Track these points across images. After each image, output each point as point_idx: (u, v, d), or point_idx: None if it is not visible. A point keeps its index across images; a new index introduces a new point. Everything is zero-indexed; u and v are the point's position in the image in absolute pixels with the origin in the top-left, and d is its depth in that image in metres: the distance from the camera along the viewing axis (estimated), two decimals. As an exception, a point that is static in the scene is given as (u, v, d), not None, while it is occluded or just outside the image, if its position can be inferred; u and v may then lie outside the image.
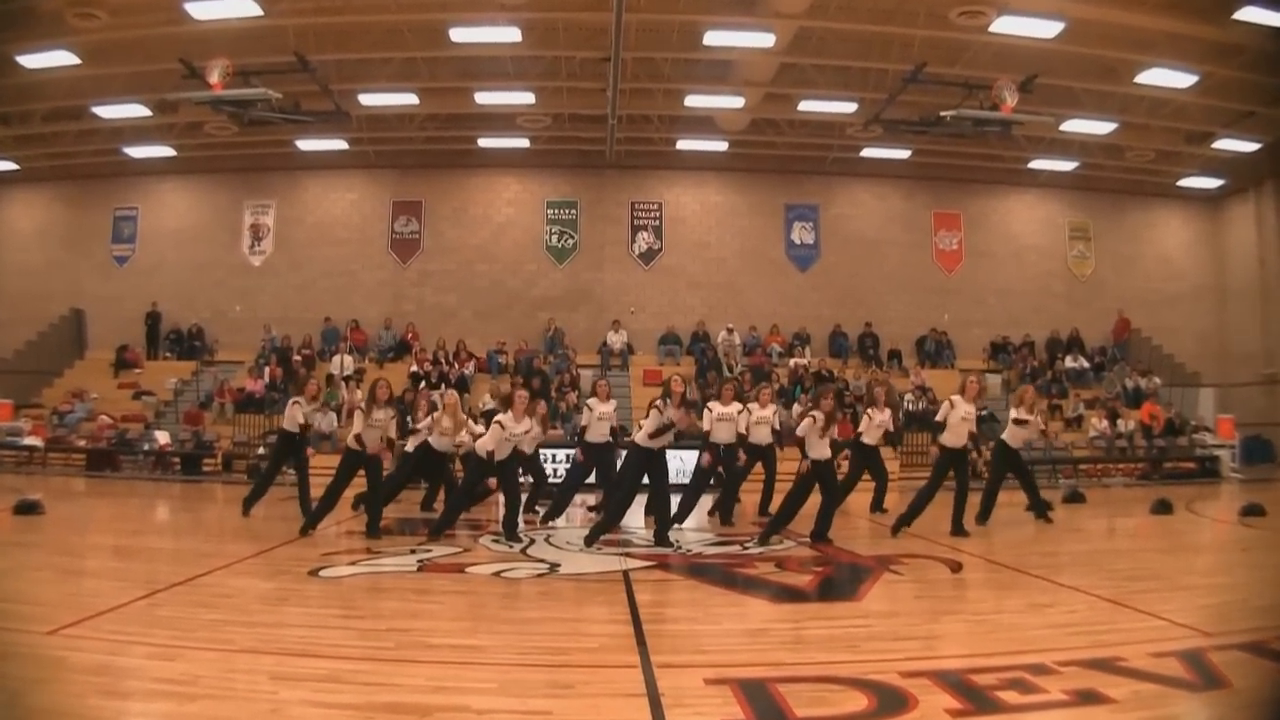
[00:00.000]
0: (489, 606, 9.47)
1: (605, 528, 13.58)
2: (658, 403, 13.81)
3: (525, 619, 9.00)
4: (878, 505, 17.87)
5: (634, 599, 9.57)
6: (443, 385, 26.40)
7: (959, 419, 14.77)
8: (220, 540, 13.97)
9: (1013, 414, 16.33)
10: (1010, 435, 16.16)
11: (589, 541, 13.31)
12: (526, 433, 14.26)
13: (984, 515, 16.00)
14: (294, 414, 15.86)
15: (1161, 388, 31.83)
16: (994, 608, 9.55)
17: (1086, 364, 33.09)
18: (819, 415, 13.53)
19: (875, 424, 17.23)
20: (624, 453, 15.58)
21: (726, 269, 34.24)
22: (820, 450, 13.61)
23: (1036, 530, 15.62)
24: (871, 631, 8.41)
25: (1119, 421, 28.98)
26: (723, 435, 16.04)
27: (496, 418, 13.88)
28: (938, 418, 15.46)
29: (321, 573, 10.77)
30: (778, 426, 17.80)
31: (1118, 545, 15.60)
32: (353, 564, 11.42)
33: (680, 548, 13.25)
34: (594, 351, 32.23)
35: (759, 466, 17.42)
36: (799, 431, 14.05)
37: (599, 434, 16.55)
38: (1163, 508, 18.10)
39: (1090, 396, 31.30)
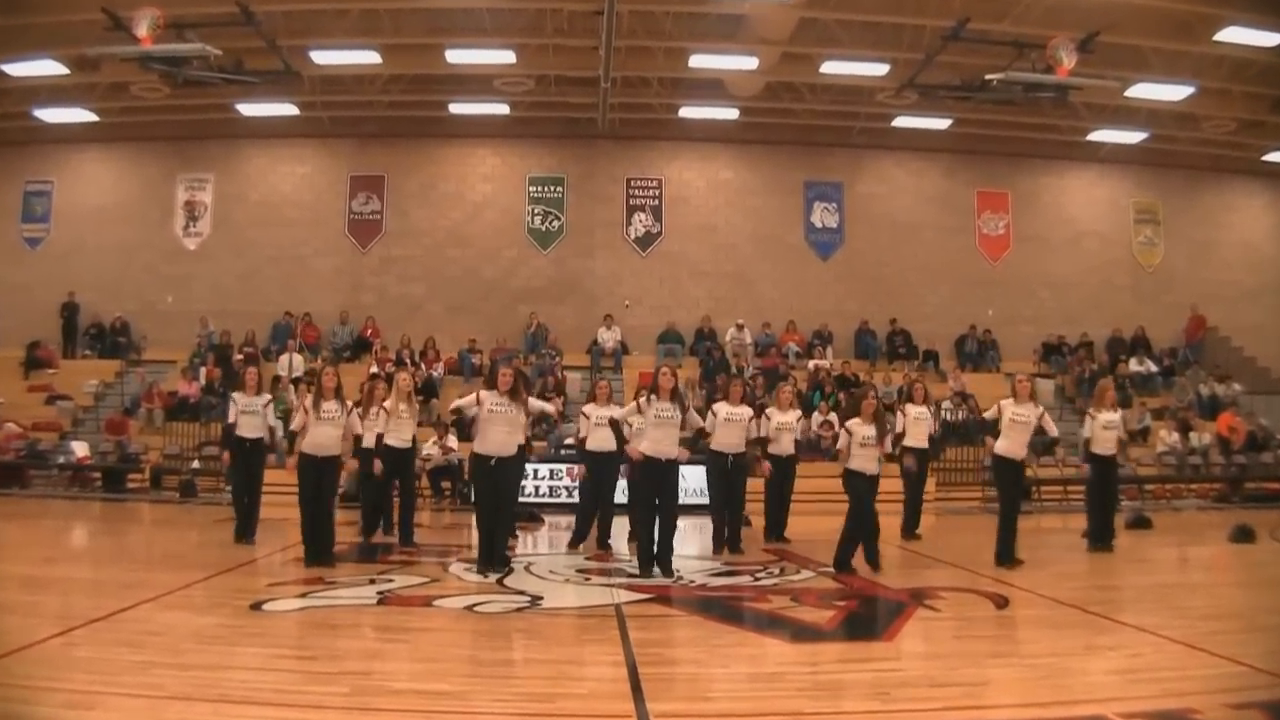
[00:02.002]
0: (461, 646, 9.46)
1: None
2: (640, 398, 13.84)
3: (503, 660, 9.01)
4: (910, 529, 17.94)
5: (628, 637, 9.55)
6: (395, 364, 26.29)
7: (1008, 421, 14.73)
8: (148, 568, 13.96)
9: (1102, 418, 16.42)
10: (1102, 444, 16.33)
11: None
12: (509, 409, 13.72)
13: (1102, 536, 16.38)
14: (238, 415, 16.13)
15: (1242, 395, 31.64)
16: (1046, 650, 9.52)
17: (1154, 368, 33.05)
18: (858, 422, 13.67)
19: (913, 418, 17.41)
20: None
21: (736, 256, 34.28)
22: (870, 463, 13.66)
23: (1095, 561, 15.61)
24: (904, 676, 8.42)
25: (1192, 434, 28.66)
26: (730, 440, 15.97)
27: (478, 391, 13.83)
28: (987, 414, 15.45)
29: (266, 606, 10.75)
30: (799, 436, 17.88)
31: (1190, 578, 15.50)
32: (302, 596, 11.39)
33: (681, 578, 13.23)
34: (583, 351, 32.21)
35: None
36: (839, 445, 14.12)
37: (600, 442, 16.29)
38: (1243, 535, 17.97)
39: (1158, 405, 31.08)
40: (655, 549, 13.55)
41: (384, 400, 16.39)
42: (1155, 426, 29.57)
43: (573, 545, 16.37)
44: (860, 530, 13.75)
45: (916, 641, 9.79)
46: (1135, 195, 35.84)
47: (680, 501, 14.70)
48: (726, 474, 16.16)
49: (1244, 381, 32.52)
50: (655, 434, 13.53)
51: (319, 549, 13.77)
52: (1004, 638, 10.35)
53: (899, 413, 18.01)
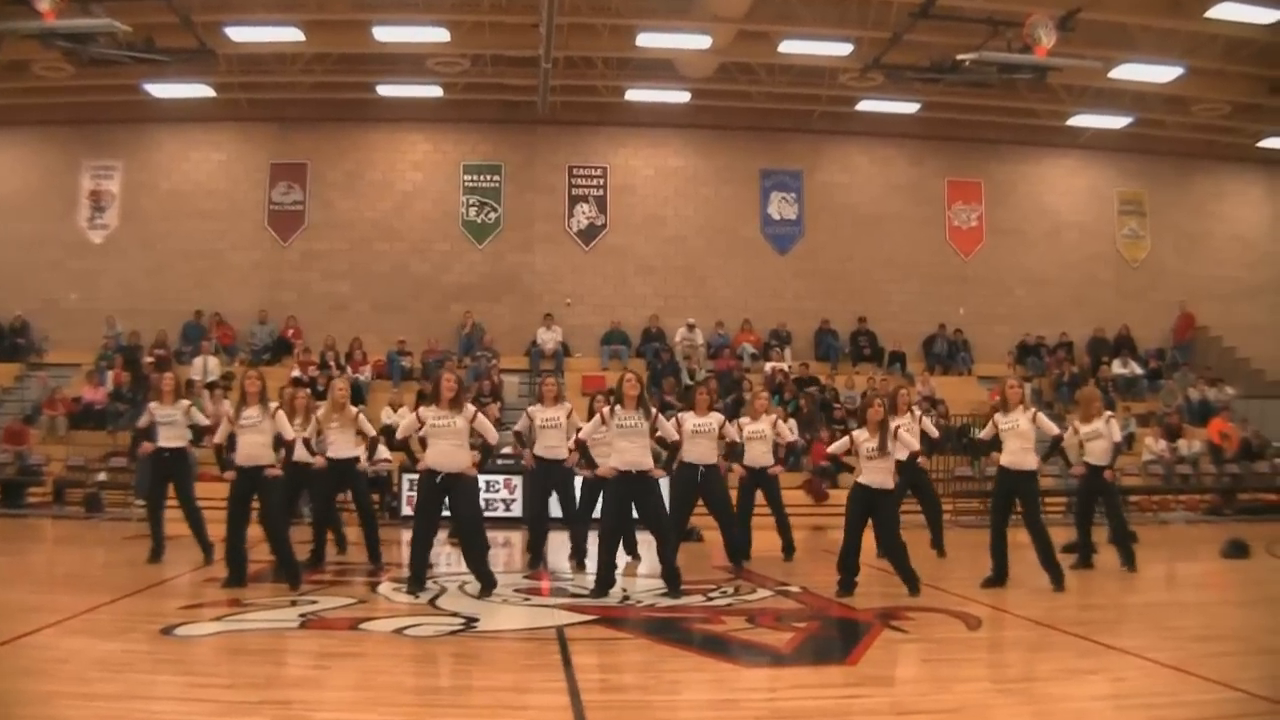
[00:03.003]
0: (389, 672, 9.39)
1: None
2: (602, 407, 13.77)
3: (434, 688, 9.04)
4: (937, 543, 17.93)
5: (570, 662, 9.52)
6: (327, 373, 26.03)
7: (1002, 432, 14.48)
8: (50, 590, 13.88)
9: (1084, 429, 16.36)
10: (1090, 454, 16.31)
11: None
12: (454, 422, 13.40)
13: (1081, 552, 16.41)
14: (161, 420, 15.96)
15: (1235, 400, 31.73)
16: (1022, 674, 9.62)
17: (1140, 370, 33.23)
18: (862, 433, 13.52)
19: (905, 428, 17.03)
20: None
21: (687, 250, 34.31)
22: (878, 475, 13.45)
23: (1076, 578, 15.51)
24: (868, 703, 8.42)
25: (1180, 442, 28.73)
26: (699, 452, 15.83)
27: (418, 409, 13.76)
28: (982, 435, 15.32)
29: (178, 630, 10.65)
30: (792, 435, 17.86)
31: (1180, 596, 15.57)
32: (218, 619, 11.32)
33: (627, 599, 13.21)
34: (521, 353, 32.22)
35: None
36: (834, 449, 14.10)
37: (547, 447, 16.18)
38: (1237, 550, 18.06)
39: (1144, 410, 31.20)
40: (663, 568, 13.44)
41: (309, 410, 16.27)
42: (1141, 433, 29.51)
43: (533, 566, 16.18)
44: (855, 546, 13.64)
45: (882, 665, 9.80)
46: (1119, 184, 36.07)
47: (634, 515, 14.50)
48: (698, 488, 16.09)
49: (1237, 385, 32.71)
50: (621, 444, 13.37)
51: (240, 573, 13.64)
52: (977, 661, 10.32)
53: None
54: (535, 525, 16.82)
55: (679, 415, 16.24)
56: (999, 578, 14.19)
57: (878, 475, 13.41)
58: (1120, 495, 17.56)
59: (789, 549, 17.37)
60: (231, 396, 16.01)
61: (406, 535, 16.35)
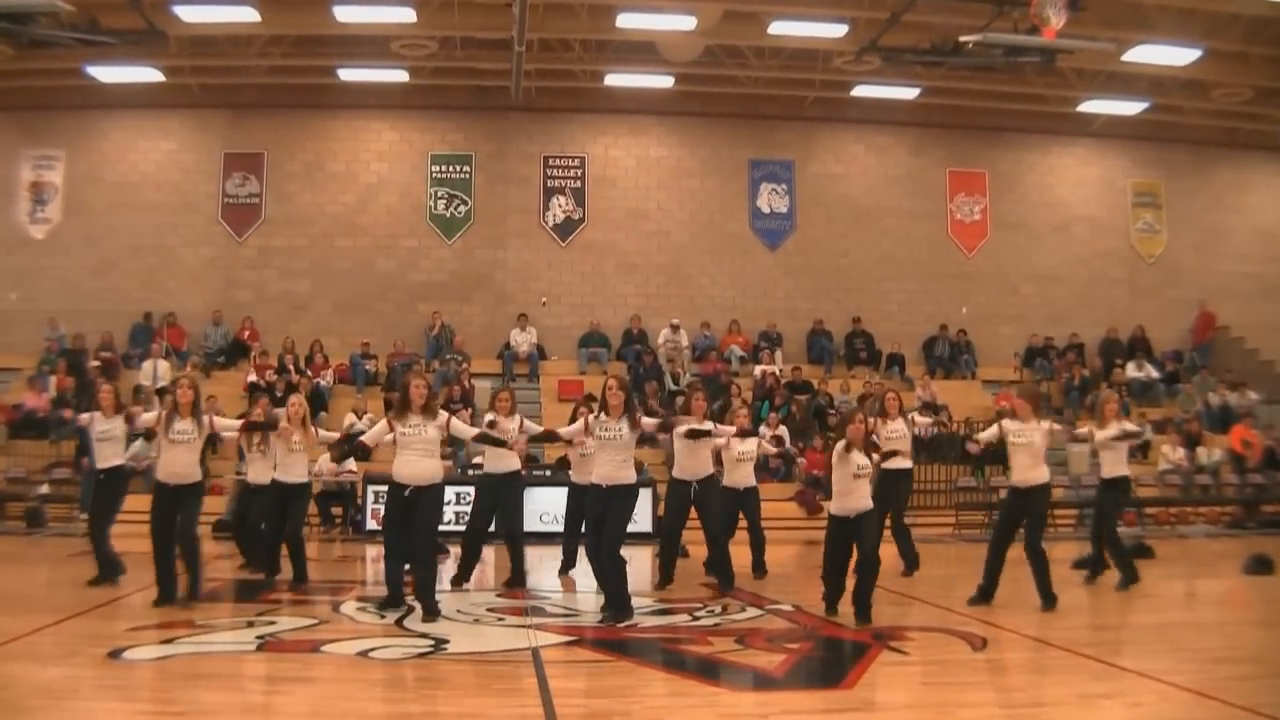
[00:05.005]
0: (353, 698, 9.35)
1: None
2: (586, 414, 13.70)
3: (401, 714, 9.00)
4: (910, 562, 17.65)
5: (547, 686, 9.51)
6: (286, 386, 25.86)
7: (1010, 444, 14.19)
8: (-13, 611, 13.82)
9: (1110, 432, 16.20)
10: (1111, 465, 16.26)
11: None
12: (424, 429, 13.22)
13: (1093, 568, 16.36)
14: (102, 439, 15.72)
15: (1258, 405, 31.63)
16: (1031, 699, 9.59)
17: (1156, 373, 33.16)
18: (841, 447, 13.06)
19: (885, 436, 16.44)
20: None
21: (670, 246, 34.24)
22: (853, 499, 12.99)
23: (1089, 596, 15.57)
24: (865, 730, 8.42)
25: (1200, 450, 28.70)
26: (693, 464, 15.67)
27: (387, 417, 13.67)
28: (983, 435, 15.11)
29: (126, 654, 10.59)
30: (775, 450, 17.75)
31: (1199, 615, 15.47)
32: (169, 642, 11.26)
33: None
34: (493, 356, 32.13)
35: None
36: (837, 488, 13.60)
37: (500, 462, 15.96)
38: (1260, 566, 17.98)
39: (1161, 416, 30.94)
40: (598, 583, 13.40)
41: (306, 422, 16.13)
42: (1157, 441, 29.26)
43: (456, 583, 15.88)
44: (839, 571, 13.36)
45: (880, 689, 9.81)
46: (1134, 175, 36.00)
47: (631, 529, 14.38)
48: (689, 503, 15.85)
49: (1260, 389, 32.48)
50: (600, 456, 13.35)
51: (171, 589, 13.50)
52: (982, 685, 10.33)
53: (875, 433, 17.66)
54: (513, 542, 16.37)
55: (672, 421, 16.02)
56: (986, 595, 14.04)
57: (856, 500, 12.93)
58: (1117, 514, 17.38)
59: (759, 569, 17.25)
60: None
61: (371, 551, 16.33)
